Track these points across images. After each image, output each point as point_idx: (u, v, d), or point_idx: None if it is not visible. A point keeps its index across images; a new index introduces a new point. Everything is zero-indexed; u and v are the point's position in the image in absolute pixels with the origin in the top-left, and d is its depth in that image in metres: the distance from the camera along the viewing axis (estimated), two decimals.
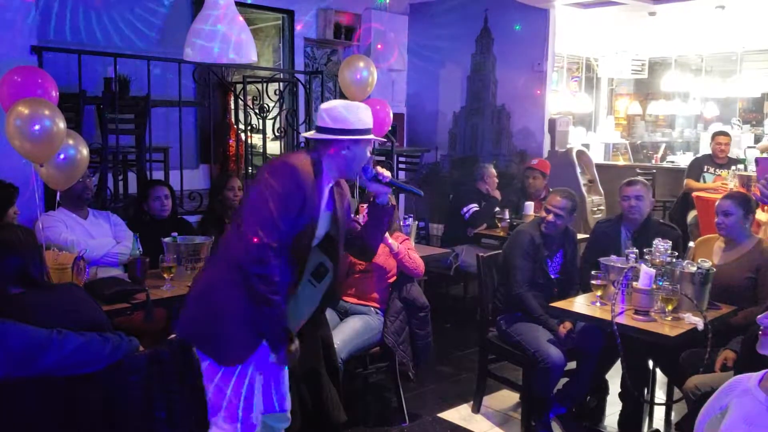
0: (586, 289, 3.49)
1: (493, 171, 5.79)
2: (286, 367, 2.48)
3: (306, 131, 5.81)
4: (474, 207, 5.52)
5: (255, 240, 2.19)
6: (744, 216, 3.41)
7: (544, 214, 3.74)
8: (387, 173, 2.47)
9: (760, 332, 1.86)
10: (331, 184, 2.43)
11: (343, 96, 4.76)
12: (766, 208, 3.65)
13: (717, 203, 3.53)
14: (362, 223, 2.65)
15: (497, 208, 5.59)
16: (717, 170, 6.50)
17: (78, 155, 3.41)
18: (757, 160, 2.33)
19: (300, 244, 2.30)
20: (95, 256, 3.45)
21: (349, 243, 2.60)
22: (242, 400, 2.34)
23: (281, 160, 2.38)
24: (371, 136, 2.41)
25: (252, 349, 2.32)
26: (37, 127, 3.10)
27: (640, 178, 4.07)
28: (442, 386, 4.25)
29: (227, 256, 2.32)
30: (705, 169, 6.59)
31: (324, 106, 2.43)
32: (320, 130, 2.38)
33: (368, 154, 2.43)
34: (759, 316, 1.87)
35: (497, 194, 5.74)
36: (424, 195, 2.79)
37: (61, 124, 3.20)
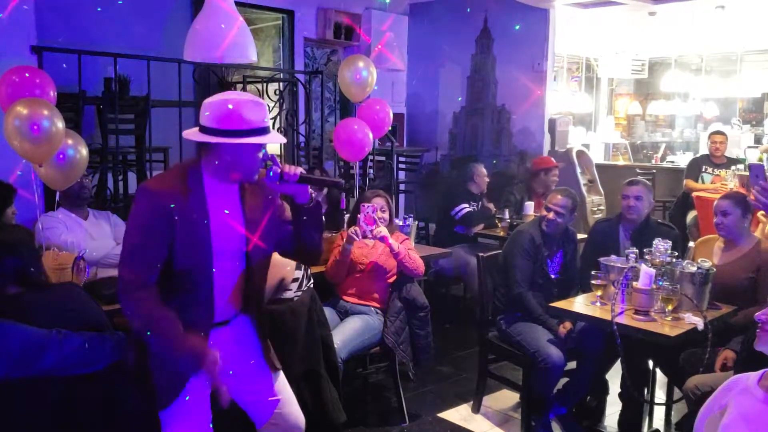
0: (586, 288, 3.49)
1: (484, 170, 5.75)
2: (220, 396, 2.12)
3: (306, 131, 5.83)
4: (465, 207, 5.49)
5: (122, 274, 2.03)
6: (742, 215, 3.41)
7: (544, 212, 3.75)
8: (296, 170, 2.14)
9: (758, 329, 1.86)
10: (232, 187, 2.15)
11: (343, 96, 4.75)
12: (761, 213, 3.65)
13: (715, 203, 3.54)
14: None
15: (491, 205, 5.58)
16: (715, 170, 6.51)
17: (77, 155, 3.41)
18: (750, 166, 2.32)
19: (192, 261, 2.07)
20: (95, 258, 3.44)
21: (283, 247, 2.33)
22: None
23: (141, 185, 2.12)
24: (259, 138, 2.06)
25: (175, 386, 2.11)
26: (35, 127, 3.10)
27: (642, 179, 4.07)
28: (442, 386, 4.25)
29: None
30: (703, 169, 6.60)
31: (207, 100, 2.11)
32: (201, 129, 2.08)
33: (258, 158, 2.09)
34: (757, 314, 1.88)
35: (490, 205, 5.68)
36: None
37: (60, 124, 3.20)
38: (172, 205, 2.01)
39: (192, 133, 2.11)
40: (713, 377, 2.93)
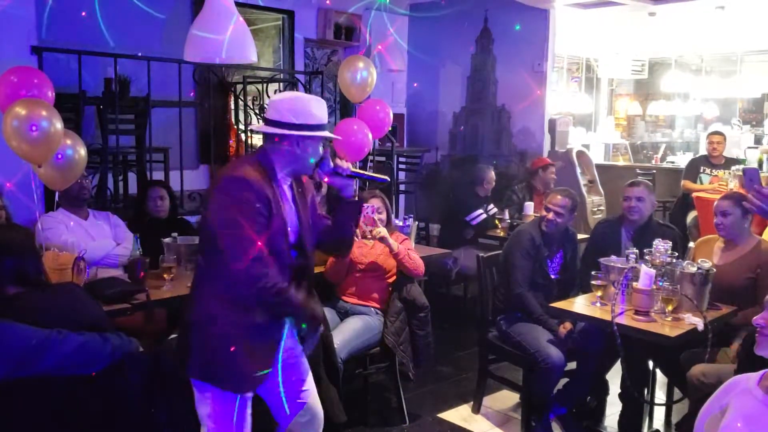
0: (586, 289, 3.49)
1: (493, 175, 5.78)
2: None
3: None
4: (481, 214, 5.52)
5: (242, 265, 2.09)
6: (742, 216, 3.41)
7: (544, 212, 3.75)
8: (347, 165, 2.34)
9: (757, 333, 1.86)
10: (289, 182, 2.30)
11: (342, 97, 4.76)
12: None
13: (715, 203, 3.54)
14: (331, 218, 2.50)
15: (492, 207, 5.60)
16: (713, 170, 6.53)
17: (76, 155, 3.41)
18: (745, 171, 2.33)
19: (277, 249, 2.19)
20: (95, 258, 3.45)
21: (321, 239, 2.46)
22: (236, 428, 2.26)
23: (226, 176, 2.18)
24: (324, 133, 2.25)
25: (266, 366, 2.24)
26: (34, 127, 3.10)
27: (643, 179, 4.07)
28: (442, 386, 4.25)
29: (213, 290, 2.19)
30: (701, 170, 6.62)
31: (274, 97, 2.30)
32: (269, 123, 2.23)
33: (321, 151, 2.27)
34: (754, 318, 1.88)
35: (496, 210, 5.70)
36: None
37: (59, 125, 3.20)
38: (268, 191, 2.14)
39: (263, 127, 2.26)
40: (719, 366, 2.94)
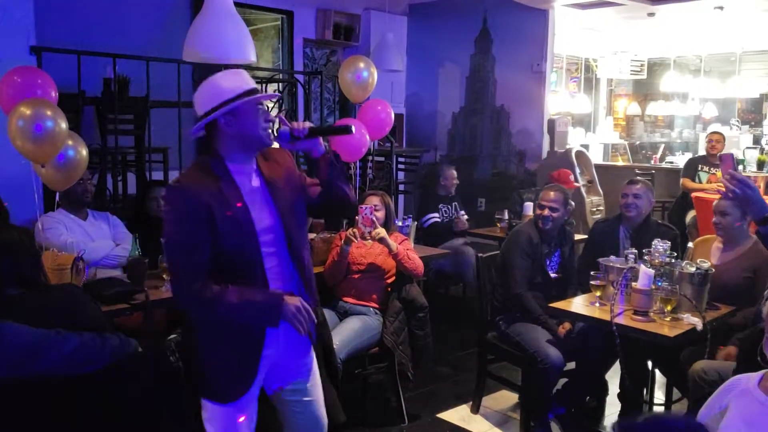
0: (585, 289, 3.50)
1: (453, 173, 5.77)
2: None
3: None
4: (434, 217, 5.49)
5: (173, 277, 2.07)
6: (741, 216, 3.42)
7: (539, 211, 3.75)
8: (304, 125, 2.17)
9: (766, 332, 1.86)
10: (252, 168, 2.17)
11: (343, 98, 4.75)
12: None
13: (714, 203, 3.54)
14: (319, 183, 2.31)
15: (464, 218, 5.57)
16: (711, 169, 6.59)
17: (77, 156, 3.42)
18: (721, 157, 2.34)
19: (237, 248, 2.09)
20: (94, 258, 3.45)
21: (317, 205, 2.33)
22: None
23: (167, 187, 2.17)
24: (246, 99, 2.07)
25: (247, 377, 2.17)
26: (39, 127, 3.10)
27: (642, 178, 4.08)
28: (442, 387, 4.25)
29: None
30: (699, 168, 6.69)
31: (194, 95, 2.16)
32: (197, 119, 2.13)
33: (261, 120, 2.11)
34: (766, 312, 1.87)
35: (463, 218, 5.62)
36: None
37: (63, 125, 3.21)
38: (206, 196, 2.03)
39: (194, 128, 2.15)
40: (719, 363, 2.94)
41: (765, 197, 5.62)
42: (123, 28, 5.62)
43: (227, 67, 5.71)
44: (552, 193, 3.74)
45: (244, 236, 2.08)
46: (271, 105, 5.83)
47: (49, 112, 3.16)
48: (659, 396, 3.82)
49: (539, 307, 3.59)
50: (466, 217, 5.62)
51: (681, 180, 6.78)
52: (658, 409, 3.77)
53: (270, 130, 2.15)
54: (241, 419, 2.20)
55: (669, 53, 10.11)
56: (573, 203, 3.91)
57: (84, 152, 3.47)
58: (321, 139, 2.22)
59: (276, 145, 2.29)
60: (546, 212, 3.70)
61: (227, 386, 2.16)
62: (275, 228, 2.16)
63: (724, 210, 3.44)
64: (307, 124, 2.17)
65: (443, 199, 5.68)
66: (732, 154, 2.41)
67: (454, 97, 7.91)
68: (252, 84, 2.13)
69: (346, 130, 2.36)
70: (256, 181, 2.17)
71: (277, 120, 2.18)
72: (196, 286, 2.03)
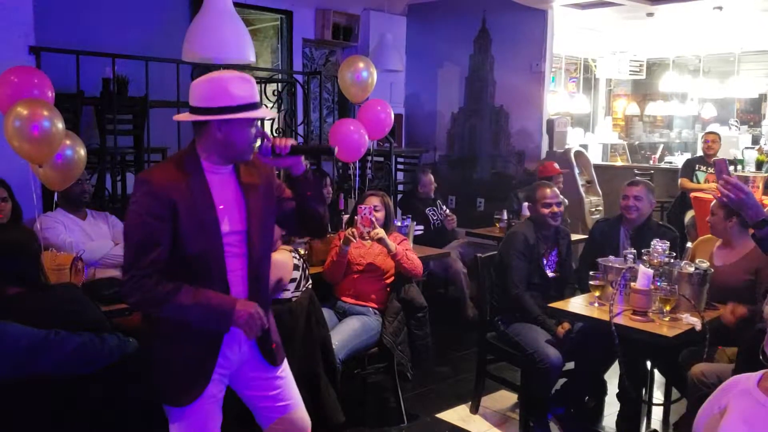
0: (584, 289, 3.50)
1: (430, 177, 5.81)
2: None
3: (304, 132, 5.83)
4: (418, 229, 5.48)
5: (126, 266, 1.99)
6: (727, 215, 3.41)
7: (544, 210, 3.73)
8: (287, 142, 2.12)
9: None
10: (228, 170, 2.13)
11: (341, 97, 4.75)
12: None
13: (712, 204, 3.54)
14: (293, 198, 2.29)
15: (444, 209, 5.59)
16: (709, 168, 6.63)
17: (75, 156, 3.41)
18: (714, 162, 2.35)
19: (206, 250, 2.05)
20: (93, 259, 3.45)
21: (287, 222, 2.32)
22: None
23: (138, 176, 2.08)
24: (248, 113, 2.03)
25: (200, 381, 2.11)
26: (36, 127, 3.10)
27: (643, 179, 4.08)
28: (441, 387, 4.25)
29: None
30: (697, 168, 6.73)
31: (195, 81, 2.09)
32: (191, 110, 2.06)
33: (251, 134, 2.07)
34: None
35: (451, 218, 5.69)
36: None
37: (60, 125, 3.21)
38: (173, 192, 1.99)
39: (183, 116, 2.10)
40: (719, 366, 2.94)
41: (765, 198, 5.64)
42: (122, 28, 5.61)
43: (226, 67, 5.74)
44: (548, 191, 3.74)
45: (209, 237, 2.05)
46: (270, 104, 5.82)
47: (46, 113, 3.15)
48: (658, 396, 3.83)
49: (537, 306, 3.59)
50: (448, 211, 5.71)
51: (679, 180, 6.81)
52: (658, 409, 3.78)
53: (253, 145, 2.12)
54: (196, 427, 2.14)
55: (668, 53, 10.12)
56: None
57: (82, 152, 3.47)
58: (303, 157, 2.19)
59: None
60: (555, 209, 3.72)
61: (180, 388, 2.10)
62: (241, 232, 2.13)
63: (712, 209, 3.46)
64: (290, 142, 2.13)
65: (427, 203, 5.70)
66: (725, 160, 2.42)
67: (453, 98, 7.91)
68: (256, 98, 2.09)
69: (329, 151, 2.33)
70: (229, 183, 2.13)
71: (261, 137, 2.14)
72: (149, 282, 1.97)
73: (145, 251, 1.97)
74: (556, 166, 6.05)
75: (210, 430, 2.17)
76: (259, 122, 2.14)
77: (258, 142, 2.11)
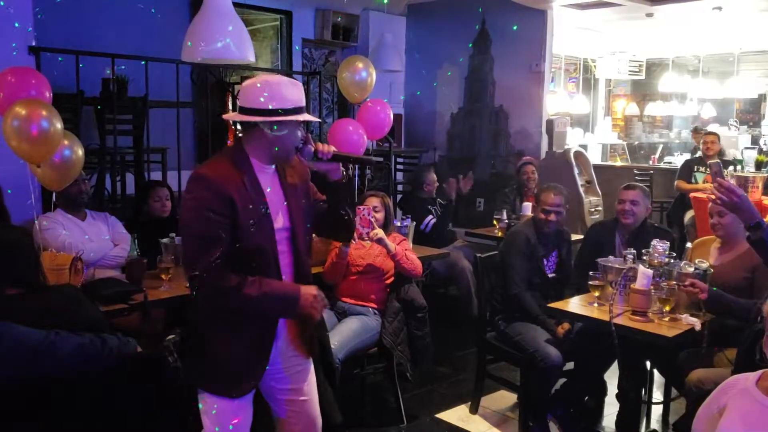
0: (582, 290, 3.49)
1: (434, 176, 5.82)
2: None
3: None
4: (431, 219, 5.51)
5: (192, 266, 2.05)
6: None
7: (542, 215, 3.74)
8: (329, 148, 2.22)
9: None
10: (271, 170, 2.21)
11: (341, 98, 4.75)
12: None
13: (709, 206, 3.53)
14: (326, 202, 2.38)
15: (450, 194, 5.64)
16: (707, 169, 6.61)
17: (73, 156, 3.41)
18: (710, 165, 2.38)
19: (262, 245, 2.12)
20: (93, 259, 3.45)
21: (318, 223, 2.38)
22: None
23: (192, 174, 2.13)
24: (299, 116, 2.12)
25: (258, 370, 2.20)
26: (34, 128, 3.10)
27: (639, 184, 4.07)
28: (440, 387, 4.25)
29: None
30: (695, 169, 6.73)
31: (246, 82, 2.17)
32: (242, 110, 2.13)
33: (299, 136, 2.16)
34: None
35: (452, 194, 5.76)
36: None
37: (59, 125, 3.21)
38: (230, 188, 2.06)
39: (233, 115, 2.18)
40: (716, 372, 2.94)
41: (765, 198, 5.63)
42: (122, 28, 5.62)
43: (226, 67, 5.73)
44: (553, 195, 3.73)
45: (264, 233, 2.12)
46: None
47: (44, 113, 3.15)
48: (657, 396, 3.83)
49: (538, 306, 3.59)
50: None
51: (676, 182, 6.78)
52: (657, 409, 3.78)
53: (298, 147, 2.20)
54: (235, 421, 2.21)
55: (667, 54, 10.12)
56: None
57: (80, 152, 3.46)
58: (341, 164, 2.28)
59: None
60: (552, 217, 3.71)
61: (238, 380, 2.18)
62: (288, 229, 2.21)
63: (722, 210, 3.43)
64: (332, 149, 2.23)
65: (430, 202, 5.71)
66: (719, 162, 2.43)
67: (452, 98, 7.91)
68: (304, 101, 2.17)
69: (369, 161, 2.46)
70: (275, 182, 2.21)
71: (304, 139, 2.22)
72: (217, 275, 2.03)
73: (209, 246, 2.02)
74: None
75: (246, 421, 2.26)
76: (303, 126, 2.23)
77: (301, 145, 2.19)
